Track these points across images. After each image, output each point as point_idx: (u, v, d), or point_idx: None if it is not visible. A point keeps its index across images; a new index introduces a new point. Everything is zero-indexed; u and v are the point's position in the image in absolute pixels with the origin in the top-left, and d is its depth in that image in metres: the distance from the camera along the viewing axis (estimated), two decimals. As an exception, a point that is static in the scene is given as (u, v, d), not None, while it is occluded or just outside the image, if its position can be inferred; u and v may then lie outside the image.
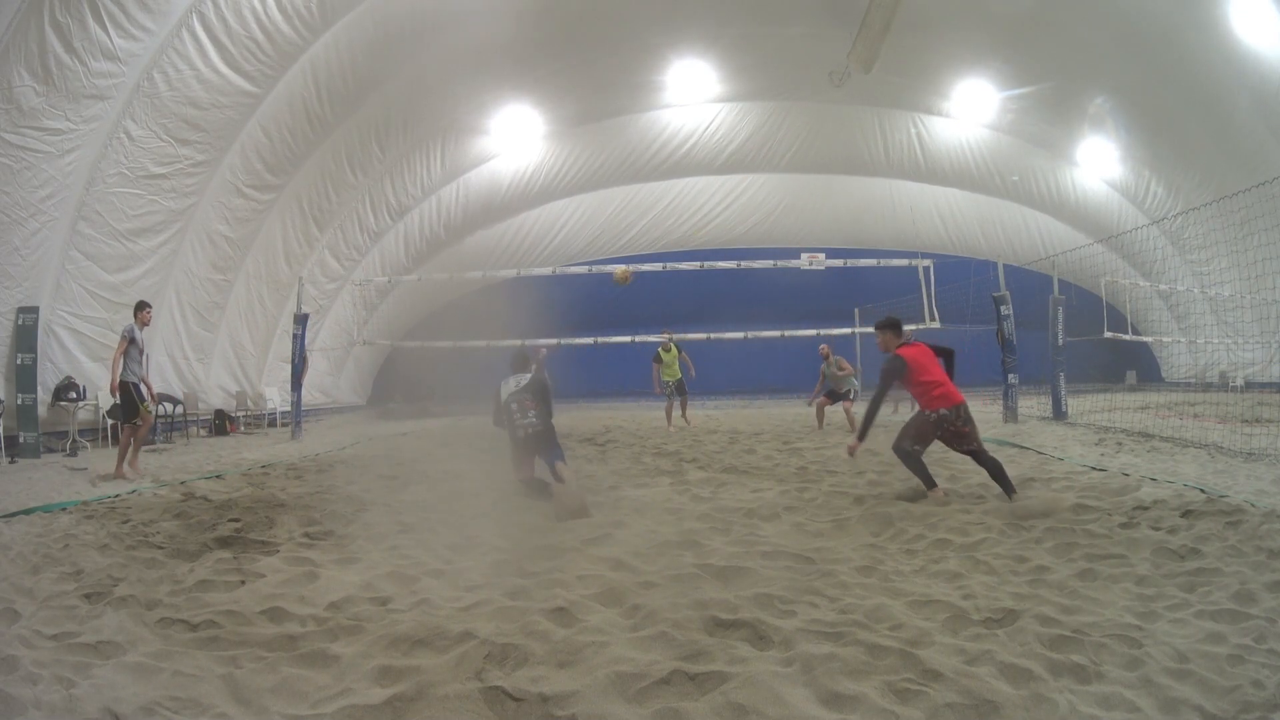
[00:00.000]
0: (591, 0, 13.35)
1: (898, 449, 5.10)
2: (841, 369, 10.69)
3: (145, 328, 7.34)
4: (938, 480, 5.07)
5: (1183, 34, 12.58)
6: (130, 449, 6.92)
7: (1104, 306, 12.89)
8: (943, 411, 4.97)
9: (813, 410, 10.83)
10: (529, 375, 5.94)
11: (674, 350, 11.06)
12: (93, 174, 9.00)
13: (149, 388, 7.33)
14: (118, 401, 7.16)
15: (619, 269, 11.85)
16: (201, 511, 4.92)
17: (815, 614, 2.83)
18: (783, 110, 17.31)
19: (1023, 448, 7.41)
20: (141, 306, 7.39)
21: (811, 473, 6.36)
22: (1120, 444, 7.67)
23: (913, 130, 17.62)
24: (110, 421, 9.88)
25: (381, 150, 14.19)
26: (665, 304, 18.07)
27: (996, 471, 4.89)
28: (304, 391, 12.28)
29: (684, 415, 11.15)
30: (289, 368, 12.03)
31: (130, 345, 7.06)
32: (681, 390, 11.05)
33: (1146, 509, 4.23)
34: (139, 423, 7.01)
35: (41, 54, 7.77)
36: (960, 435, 4.98)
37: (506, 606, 2.98)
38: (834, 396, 10.58)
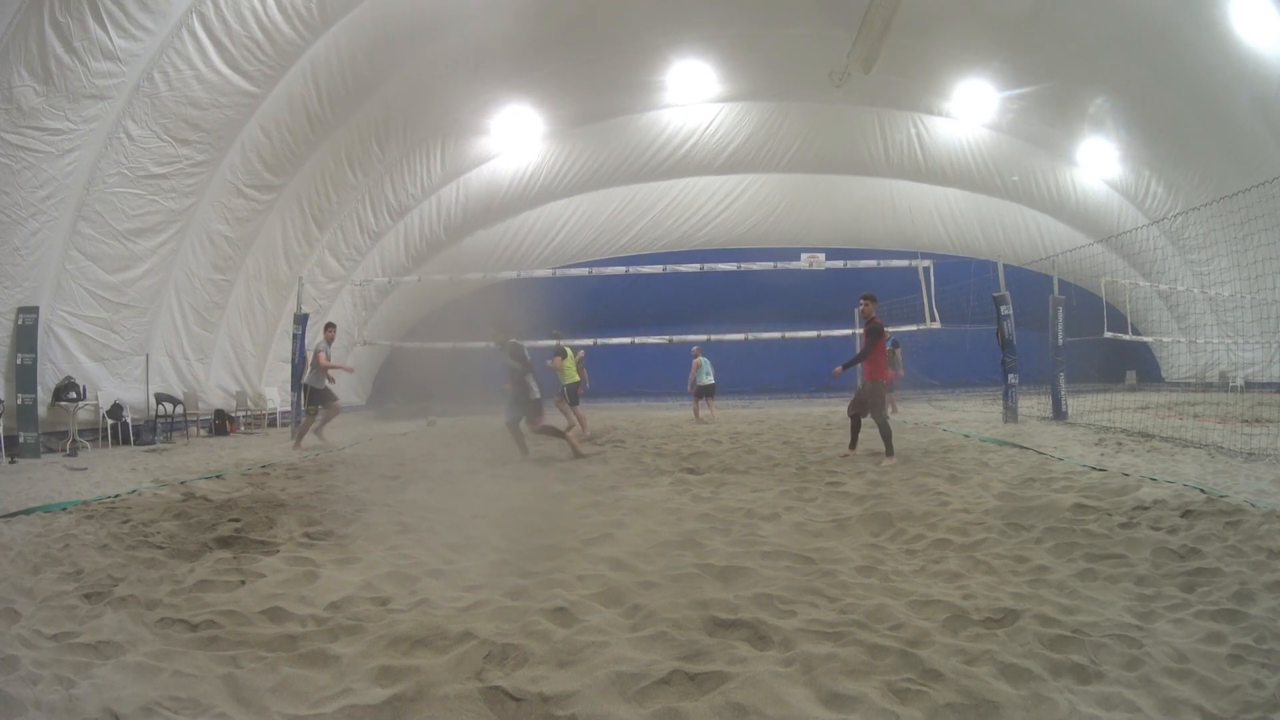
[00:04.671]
0: (591, 0, 13.35)
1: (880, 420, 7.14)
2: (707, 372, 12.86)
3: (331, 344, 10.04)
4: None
5: (1183, 34, 12.57)
6: (305, 431, 9.75)
7: (1104, 306, 12.88)
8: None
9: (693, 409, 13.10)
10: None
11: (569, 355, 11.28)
12: (93, 174, 8.99)
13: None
14: (320, 389, 9.74)
15: None
16: (201, 511, 4.92)
17: (815, 614, 2.83)
18: (783, 110, 17.29)
19: (1023, 448, 7.40)
20: (329, 326, 10.34)
21: (811, 473, 6.36)
22: (1120, 444, 7.66)
23: (913, 130, 17.59)
24: (110, 421, 10.09)
25: (381, 150, 14.18)
26: (665, 304, 18.07)
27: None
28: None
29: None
30: (289, 368, 12.04)
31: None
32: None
33: (1146, 509, 4.22)
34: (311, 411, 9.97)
35: (41, 54, 7.78)
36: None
37: (506, 606, 2.98)
38: (703, 393, 12.75)
